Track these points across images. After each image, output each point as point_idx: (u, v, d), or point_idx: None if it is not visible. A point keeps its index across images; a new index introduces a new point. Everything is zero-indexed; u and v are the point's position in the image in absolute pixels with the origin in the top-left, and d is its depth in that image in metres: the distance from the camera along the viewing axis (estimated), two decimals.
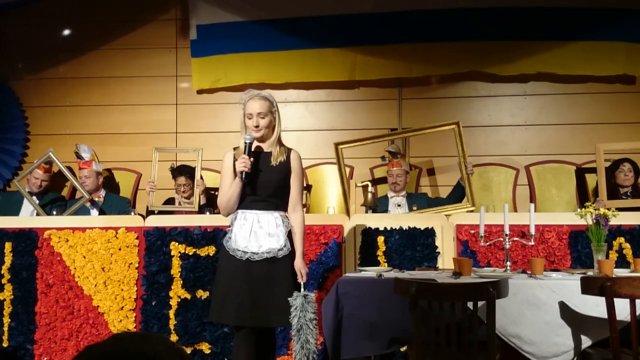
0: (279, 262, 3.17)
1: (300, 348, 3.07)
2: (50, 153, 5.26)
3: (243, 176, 3.17)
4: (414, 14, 5.93)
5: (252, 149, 3.23)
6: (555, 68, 5.86)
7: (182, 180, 5.29)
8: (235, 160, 3.24)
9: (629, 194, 5.10)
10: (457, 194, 5.21)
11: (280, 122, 3.32)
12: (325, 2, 6.01)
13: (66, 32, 6.40)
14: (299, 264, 3.22)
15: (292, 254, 3.22)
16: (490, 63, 5.91)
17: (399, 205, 5.18)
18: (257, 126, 3.21)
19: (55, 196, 5.53)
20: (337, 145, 5.34)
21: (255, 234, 3.17)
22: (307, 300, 3.10)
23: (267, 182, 3.21)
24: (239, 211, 3.23)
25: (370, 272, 3.49)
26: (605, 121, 5.89)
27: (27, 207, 5.38)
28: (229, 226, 3.26)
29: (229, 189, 3.23)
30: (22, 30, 6.45)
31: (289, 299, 3.10)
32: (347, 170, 5.77)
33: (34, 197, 5.35)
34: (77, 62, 6.39)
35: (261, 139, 3.27)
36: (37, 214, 5.16)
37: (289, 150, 3.32)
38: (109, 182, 5.82)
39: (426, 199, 5.28)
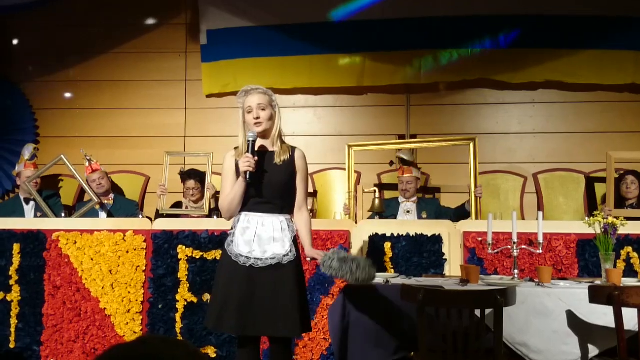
0: (284, 268, 2.99)
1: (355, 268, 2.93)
2: (62, 156, 5.29)
3: (247, 176, 2.98)
4: (423, 20, 5.95)
5: (256, 148, 3.05)
6: (564, 76, 5.86)
7: (191, 184, 5.30)
8: (237, 160, 3.07)
9: (634, 205, 5.09)
10: (462, 214, 5.05)
11: (280, 117, 3.16)
12: (334, 8, 6.03)
13: (76, 35, 6.43)
14: (311, 252, 3.08)
15: (297, 260, 3.07)
16: (499, 71, 5.91)
17: (408, 212, 5.18)
18: (257, 118, 3.04)
19: (49, 193, 5.54)
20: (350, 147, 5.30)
21: (259, 238, 3.00)
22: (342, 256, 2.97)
23: (272, 182, 3.04)
24: (242, 213, 3.05)
25: (377, 278, 3.48)
26: (613, 130, 5.88)
27: (29, 213, 5.40)
28: (231, 229, 3.09)
29: (231, 191, 3.05)
30: (33, 33, 6.50)
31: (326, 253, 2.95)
32: (355, 176, 5.78)
33: (32, 202, 5.38)
34: (87, 65, 6.43)
35: (263, 136, 3.09)
36: (43, 216, 5.18)
37: (293, 148, 3.14)
38: (113, 185, 5.82)
39: (436, 206, 5.26)
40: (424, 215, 4.97)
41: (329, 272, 2.96)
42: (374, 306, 3.12)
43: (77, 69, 6.44)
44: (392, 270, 4.14)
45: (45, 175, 5.70)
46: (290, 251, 3.03)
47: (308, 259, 3.14)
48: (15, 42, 6.53)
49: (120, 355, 1.13)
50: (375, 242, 4.24)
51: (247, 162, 2.98)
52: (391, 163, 5.51)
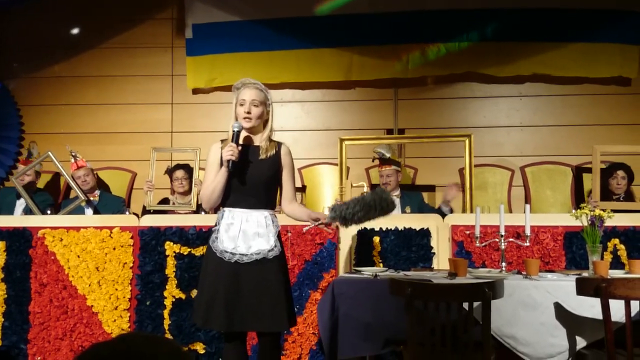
0: (269, 263, 2.99)
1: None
2: (50, 153, 5.24)
3: (230, 165, 2.96)
4: (410, 14, 5.94)
5: (241, 140, 3.04)
6: (551, 69, 5.88)
7: (180, 173, 5.26)
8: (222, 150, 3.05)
9: (621, 198, 5.11)
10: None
11: (273, 119, 3.15)
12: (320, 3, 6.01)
13: (62, 30, 6.38)
14: (313, 214, 3.11)
15: (282, 255, 3.07)
16: (486, 64, 5.92)
17: None
18: (248, 113, 3.02)
19: (44, 197, 5.49)
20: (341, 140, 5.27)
21: (244, 233, 2.99)
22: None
23: (256, 176, 3.03)
24: (226, 209, 3.04)
25: (365, 272, 3.49)
26: (600, 122, 5.91)
27: (19, 208, 5.35)
28: (215, 225, 3.08)
29: (213, 180, 3.03)
30: (18, 29, 6.44)
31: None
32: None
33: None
34: (72, 61, 6.38)
35: (251, 131, 3.08)
36: (31, 213, 5.13)
37: (279, 144, 3.13)
38: (99, 181, 5.78)
39: (419, 201, 5.25)
40: (408, 210, 4.96)
41: (352, 222, 3.01)
42: (363, 300, 3.12)
43: (63, 65, 6.38)
44: (381, 264, 4.14)
45: (45, 173, 5.65)
46: (275, 246, 3.03)
47: (311, 225, 3.12)
48: (0, 37, 6.47)
49: (101, 354, 1.11)
50: (364, 236, 4.23)
51: (230, 151, 2.97)
52: (373, 160, 5.48)
